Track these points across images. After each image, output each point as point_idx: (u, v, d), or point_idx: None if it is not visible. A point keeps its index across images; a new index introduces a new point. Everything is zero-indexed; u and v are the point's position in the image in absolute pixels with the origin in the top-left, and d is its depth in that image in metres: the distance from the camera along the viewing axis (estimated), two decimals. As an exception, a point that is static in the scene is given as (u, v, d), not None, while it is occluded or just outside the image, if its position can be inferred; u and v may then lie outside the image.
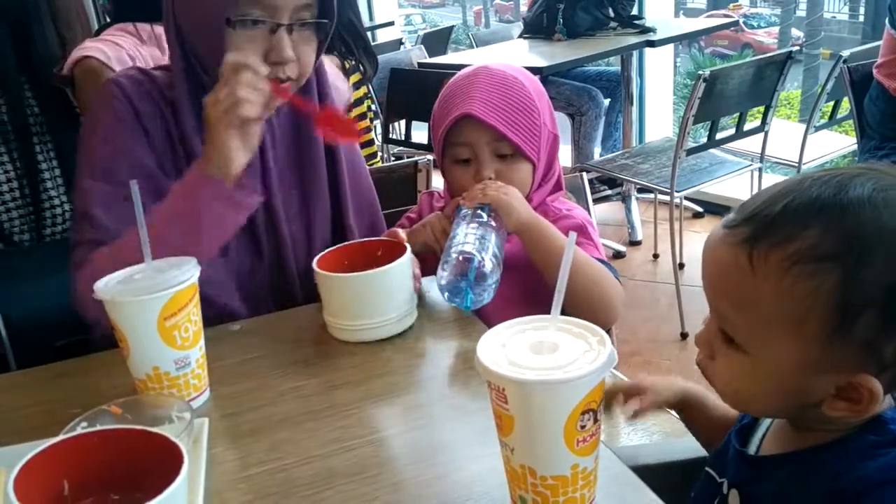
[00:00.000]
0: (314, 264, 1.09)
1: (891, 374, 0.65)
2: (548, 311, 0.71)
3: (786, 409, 0.69)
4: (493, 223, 1.13)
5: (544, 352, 0.67)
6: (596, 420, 0.66)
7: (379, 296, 1.06)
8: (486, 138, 1.22)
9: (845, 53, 2.63)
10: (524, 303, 1.25)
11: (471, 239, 1.10)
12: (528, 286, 1.24)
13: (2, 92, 1.49)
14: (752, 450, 0.78)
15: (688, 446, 1.00)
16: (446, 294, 1.10)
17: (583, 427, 0.65)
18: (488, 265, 1.07)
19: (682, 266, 3.18)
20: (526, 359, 0.66)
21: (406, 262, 1.08)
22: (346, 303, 1.08)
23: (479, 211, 1.14)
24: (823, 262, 0.62)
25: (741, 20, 13.54)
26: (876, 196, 0.63)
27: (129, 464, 0.69)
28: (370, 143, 2.55)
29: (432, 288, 1.23)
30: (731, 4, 15.48)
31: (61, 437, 0.70)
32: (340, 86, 2.05)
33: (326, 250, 1.13)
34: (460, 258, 1.07)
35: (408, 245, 1.11)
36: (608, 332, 1.06)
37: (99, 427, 0.77)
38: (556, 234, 1.17)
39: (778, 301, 0.64)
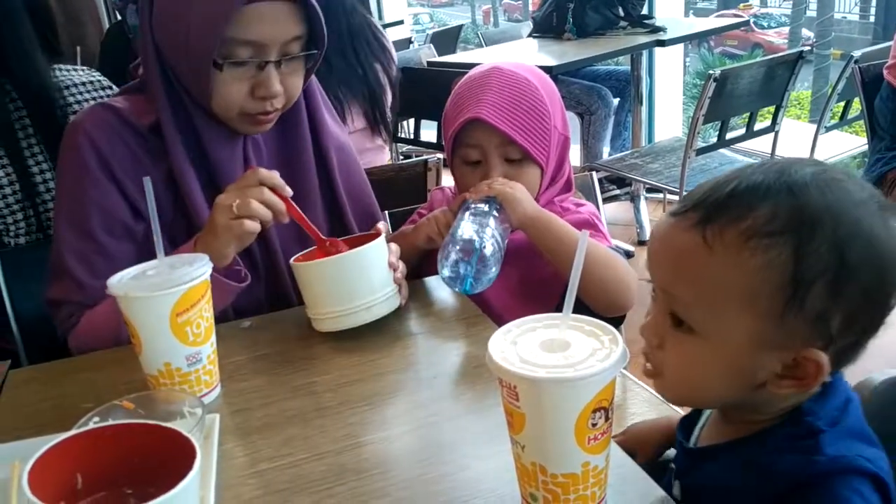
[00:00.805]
0: (291, 261, 1.10)
1: (836, 349, 0.68)
2: (554, 305, 0.71)
3: (732, 394, 0.69)
4: (496, 214, 1.14)
5: (556, 349, 0.67)
6: (607, 418, 0.66)
7: (351, 279, 1.07)
8: (496, 142, 1.22)
9: (856, 54, 2.62)
10: (531, 296, 1.26)
11: (472, 225, 1.10)
12: (534, 280, 1.24)
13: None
14: (692, 441, 0.80)
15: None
16: (446, 277, 1.10)
17: (594, 425, 0.65)
18: (489, 249, 1.07)
19: (690, 266, 3.17)
20: (537, 356, 0.66)
21: (377, 246, 1.08)
22: (321, 291, 1.08)
23: (483, 204, 1.15)
24: (777, 237, 0.65)
25: (751, 20, 13.49)
26: (817, 177, 0.67)
27: (142, 458, 0.69)
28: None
29: (439, 287, 1.23)
30: (742, 4, 15.43)
31: (74, 431, 0.70)
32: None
33: (307, 250, 1.13)
34: (461, 242, 1.08)
35: (382, 232, 1.12)
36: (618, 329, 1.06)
37: (111, 422, 0.77)
38: (563, 226, 1.16)
39: (734, 275, 0.66)
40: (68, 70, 1.57)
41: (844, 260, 0.65)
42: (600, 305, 1.15)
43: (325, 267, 1.07)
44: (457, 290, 1.12)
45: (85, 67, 1.64)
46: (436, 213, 1.25)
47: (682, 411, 0.99)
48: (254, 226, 1.04)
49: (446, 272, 1.10)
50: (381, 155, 2.22)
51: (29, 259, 1.42)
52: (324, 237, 1.13)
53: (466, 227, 1.10)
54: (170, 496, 0.61)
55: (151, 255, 0.97)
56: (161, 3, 1.12)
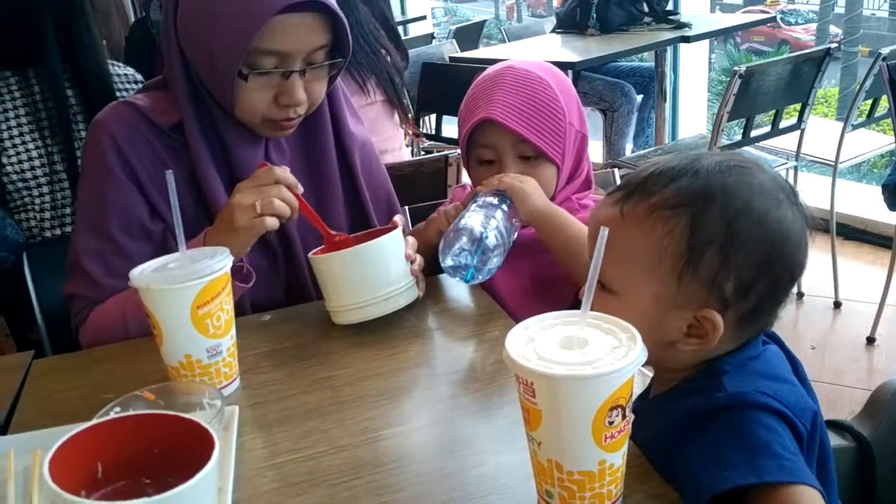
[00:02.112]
0: (310, 255, 1.10)
1: (736, 312, 0.78)
2: (568, 302, 0.72)
3: (651, 348, 0.71)
4: (504, 207, 1.13)
5: (574, 347, 0.67)
6: (624, 416, 0.66)
7: (369, 270, 1.07)
8: (509, 141, 1.22)
9: (885, 51, 2.57)
10: (544, 293, 1.26)
11: (477, 216, 1.10)
12: (547, 276, 1.24)
13: (47, 86, 1.49)
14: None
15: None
16: (447, 265, 1.10)
17: (611, 423, 0.65)
18: (491, 239, 1.07)
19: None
20: (555, 353, 0.66)
21: (393, 237, 1.08)
22: (339, 282, 1.09)
23: (493, 197, 1.15)
24: (677, 209, 0.77)
25: (778, 16, 13.32)
26: (722, 163, 0.79)
27: (161, 448, 0.70)
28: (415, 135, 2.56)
29: (456, 283, 1.23)
30: (769, 0, 15.24)
31: (95, 421, 0.71)
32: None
33: (324, 245, 1.14)
34: (462, 231, 1.08)
35: (399, 225, 1.12)
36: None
37: (132, 412, 0.78)
38: (573, 223, 1.16)
39: (640, 242, 0.78)
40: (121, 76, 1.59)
41: (732, 231, 0.75)
42: None
43: (343, 259, 1.08)
44: (457, 279, 1.11)
45: (113, 61, 1.66)
46: (447, 207, 1.25)
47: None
48: (275, 223, 1.06)
49: (448, 261, 1.10)
50: (398, 133, 2.26)
51: (55, 253, 1.44)
52: (333, 233, 1.13)
53: (470, 218, 1.10)
54: (188, 486, 0.61)
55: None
56: (186, 6, 1.12)
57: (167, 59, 1.17)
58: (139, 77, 1.62)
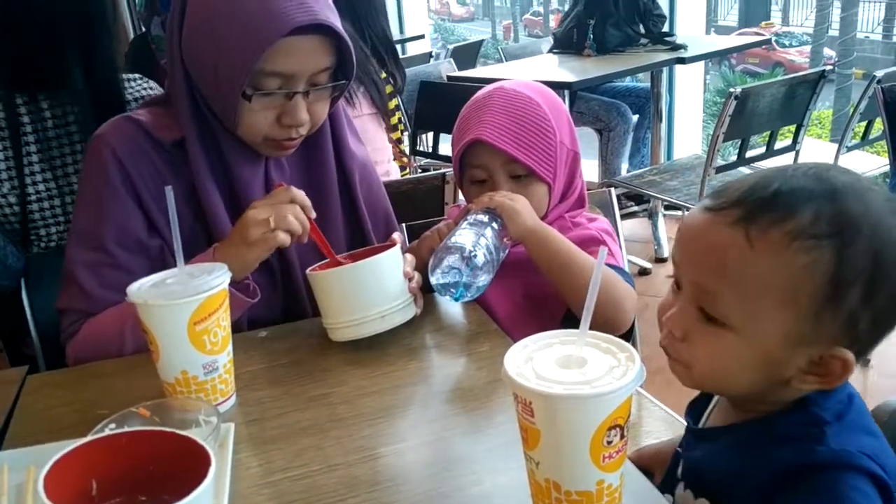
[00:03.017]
0: (308, 271, 1.10)
1: (858, 348, 0.71)
2: (559, 318, 0.72)
3: (759, 387, 0.71)
4: (494, 226, 1.14)
5: (572, 366, 0.67)
6: (623, 436, 0.66)
7: (367, 288, 1.07)
8: (500, 161, 1.23)
9: (879, 74, 2.60)
10: (536, 310, 1.26)
11: (467, 233, 1.10)
12: (539, 294, 1.24)
13: (72, 107, 1.48)
14: (700, 425, 0.81)
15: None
16: (435, 283, 1.10)
17: (609, 443, 0.65)
18: (480, 257, 1.07)
19: (708, 284, 3.16)
20: (553, 373, 0.66)
21: (392, 255, 1.09)
22: (337, 299, 1.09)
23: (483, 215, 1.15)
24: (821, 239, 0.68)
25: (773, 39, 13.43)
26: (853, 185, 0.71)
27: (157, 466, 0.70)
28: (401, 154, 2.57)
29: (452, 302, 1.23)
30: (764, 23, 15.37)
31: (90, 437, 0.71)
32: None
33: (322, 262, 1.14)
34: (451, 248, 1.08)
35: (398, 242, 1.12)
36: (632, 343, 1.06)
37: (127, 429, 0.78)
38: (563, 242, 1.16)
39: (775, 274, 0.69)
40: (129, 80, 1.58)
41: (880, 264, 0.68)
42: (593, 324, 1.14)
43: (341, 276, 1.08)
44: (446, 297, 1.12)
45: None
46: (440, 225, 1.25)
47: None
48: (287, 239, 1.06)
49: (437, 279, 1.10)
50: (386, 146, 2.27)
51: (50, 266, 1.44)
52: (339, 258, 1.13)
53: (459, 236, 1.10)
54: (184, 503, 0.61)
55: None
56: (192, 25, 1.12)
57: (170, 75, 1.17)
58: (152, 84, 1.61)
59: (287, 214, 1.06)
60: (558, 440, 0.65)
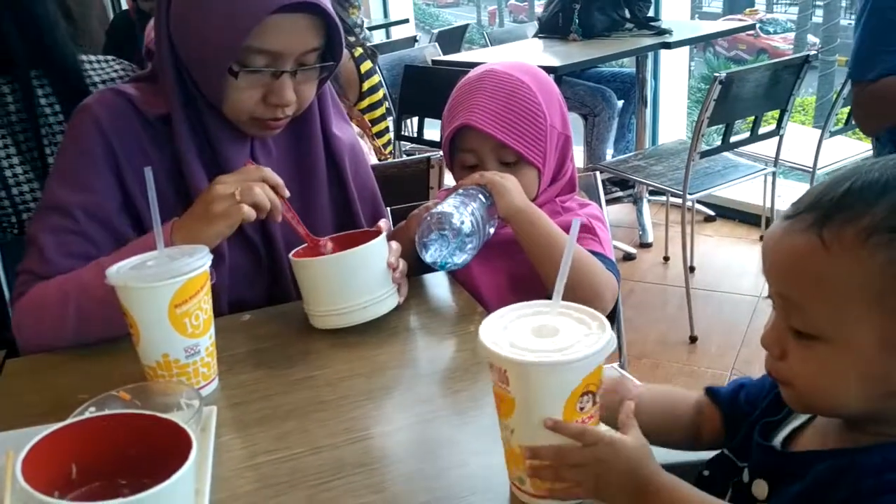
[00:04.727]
0: (290, 256, 1.09)
1: None
2: (542, 299, 0.73)
3: (866, 402, 0.65)
4: (482, 199, 1.13)
5: (545, 335, 0.69)
6: (595, 402, 0.68)
7: (350, 278, 1.06)
8: (489, 146, 1.22)
9: (863, 59, 2.60)
10: (523, 290, 1.25)
11: (456, 202, 1.09)
12: (526, 274, 1.24)
13: (12, 86, 1.45)
14: (776, 445, 0.76)
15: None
16: (424, 251, 1.09)
17: (582, 409, 0.67)
18: (468, 226, 1.07)
19: (692, 269, 3.17)
20: (527, 341, 0.68)
21: (376, 245, 1.08)
22: (319, 288, 1.08)
23: (472, 190, 1.14)
24: None
25: (757, 25, 13.47)
26: None
27: (138, 449, 0.69)
28: (385, 131, 2.55)
29: (439, 284, 1.23)
30: (748, 9, 15.40)
31: (70, 420, 0.70)
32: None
33: (303, 246, 1.13)
34: (438, 215, 1.07)
35: (384, 230, 1.11)
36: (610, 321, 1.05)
37: (107, 412, 0.77)
38: (548, 224, 1.15)
39: (857, 274, 0.64)
40: (98, 61, 1.55)
41: None
42: None
43: (326, 264, 1.07)
44: (430, 262, 1.11)
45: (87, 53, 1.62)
46: (429, 203, 1.25)
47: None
48: (252, 214, 1.03)
49: (424, 247, 1.09)
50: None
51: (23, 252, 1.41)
52: (315, 238, 1.12)
53: (447, 204, 1.09)
54: (164, 487, 0.60)
55: None
56: (179, 1, 1.10)
57: (158, 51, 1.16)
58: (125, 64, 1.58)
59: (254, 188, 1.03)
60: (532, 407, 0.67)
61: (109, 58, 1.57)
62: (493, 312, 0.96)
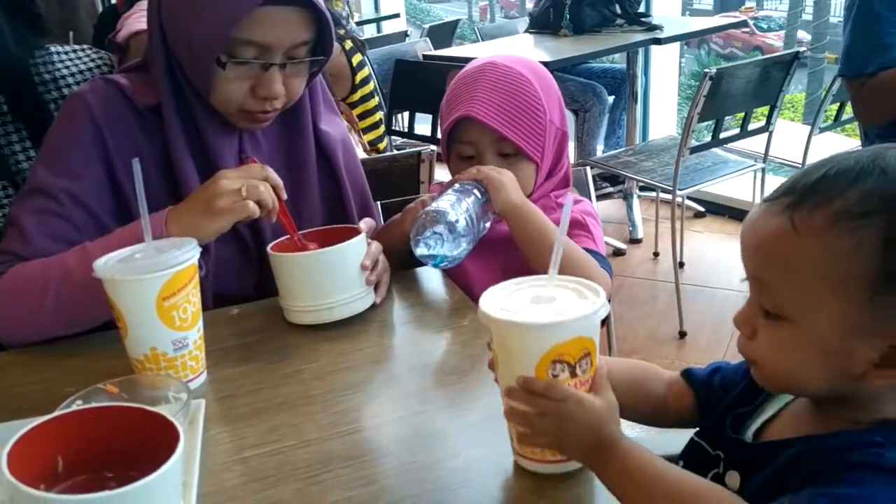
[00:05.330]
0: (269, 248, 1.09)
1: None
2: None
3: (830, 383, 0.67)
4: (478, 195, 1.12)
5: (542, 303, 0.72)
6: (573, 375, 0.70)
7: (324, 276, 1.07)
8: (489, 139, 1.22)
9: (852, 55, 2.61)
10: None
11: (450, 199, 1.09)
12: (517, 271, 1.23)
13: None
14: (747, 437, 0.77)
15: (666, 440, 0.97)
16: (418, 249, 1.09)
17: (555, 376, 0.70)
18: (462, 224, 1.06)
19: (682, 265, 3.18)
20: (518, 306, 0.72)
21: (353, 245, 1.08)
22: (293, 283, 1.09)
23: (468, 185, 1.14)
24: (866, 218, 0.63)
25: (751, 22, 13.49)
26: None
27: (125, 442, 0.68)
28: (378, 124, 2.54)
29: (429, 278, 1.22)
30: (743, 7, 15.41)
31: (56, 413, 0.69)
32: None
33: (283, 238, 1.13)
34: (433, 213, 1.07)
35: (363, 230, 1.11)
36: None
37: (94, 405, 0.76)
38: (544, 221, 1.15)
39: (822, 257, 0.65)
40: (68, 52, 1.52)
41: None
42: None
43: (303, 261, 1.07)
44: (425, 259, 1.10)
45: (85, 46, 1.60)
46: (424, 197, 1.24)
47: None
48: (256, 211, 1.03)
49: (418, 245, 1.09)
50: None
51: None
52: (304, 241, 1.12)
53: (442, 201, 1.09)
54: (151, 480, 0.60)
55: None
56: None
57: (149, 43, 1.15)
58: (104, 55, 1.55)
59: (259, 186, 1.04)
60: (508, 365, 0.72)
61: (85, 47, 1.55)
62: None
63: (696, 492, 0.67)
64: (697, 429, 0.85)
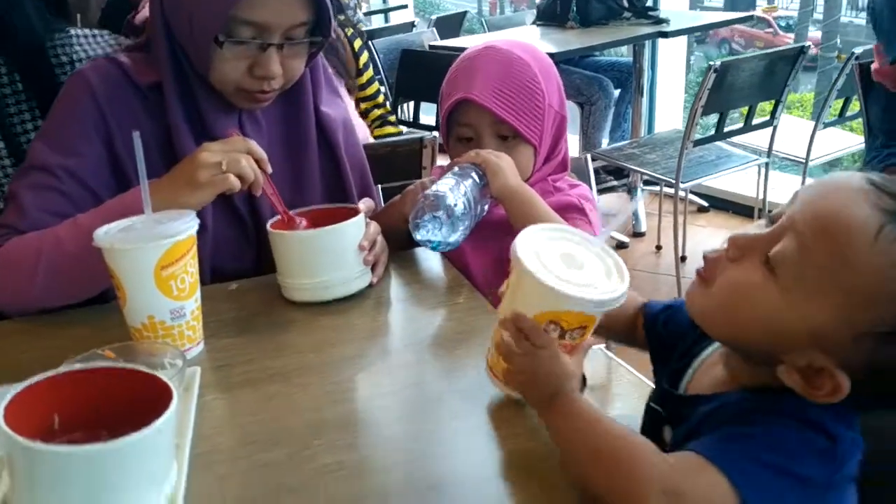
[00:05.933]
0: (268, 226, 1.11)
1: (859, 390, 0.64)
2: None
3: (755, 348, 0.68)
4: (476, 179, 1.13)
5: (570, 265, 0.76)
6: (561, 337, 0.75)
7: (322, 255, 1.08)
8: (487, 121, 1.22)
9: (858, 51, 2.62)
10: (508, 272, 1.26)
11: (449, 182, 1.10)
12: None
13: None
14: (681, 390, 0.80)
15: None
16: (416, 232, 1.10)
17: (545, 331, 0.74)
18: (460, 207, 1.07)
19: (683, 259, 3.18)
20: (548, 258, 0.75)
21: (355, 224, 1.09)
22: (293, 260, 1.10)
23: (467, 168, 1.15)
24: None
25: (772, 19, 13.38)
26: None
27: (120, 401, 0.70)
28: (381, 105, 2.54)
29: (426, 257, 1.24)
30: (766, 6, 15.28)
31: (53, 372, 0.70)
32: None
33: (277, 218, 1.14)
34: (431, 196, 1.08)
35: (362, 210, 1.12)
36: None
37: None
38: (541, 205, 1.16)
39: (870, 277, 0.62)
40: (87, 36, 1.53)
41: None
42: None
43: (302, 239, 1.09)
44: (424, 243, 1.11)
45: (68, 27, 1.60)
46: (423, 180, 1.25)
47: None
48: (236, 184, 1.03)
49: (416, 228, 1.10)
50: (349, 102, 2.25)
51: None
52: (291, 214, 1.13)
53: (441, 184, 1.10)
54: (144, 434, 0.61)
55: None
56: None
57: (151, 22, 1.17)
58: (121, 40, 1.57)
59: (241, 160, 1.04)
60: (513, 303, 0.76)
61: (105, 32, 1.57)
62: (480, 290, 1.01)
63: (619, 448, 0.67)
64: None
